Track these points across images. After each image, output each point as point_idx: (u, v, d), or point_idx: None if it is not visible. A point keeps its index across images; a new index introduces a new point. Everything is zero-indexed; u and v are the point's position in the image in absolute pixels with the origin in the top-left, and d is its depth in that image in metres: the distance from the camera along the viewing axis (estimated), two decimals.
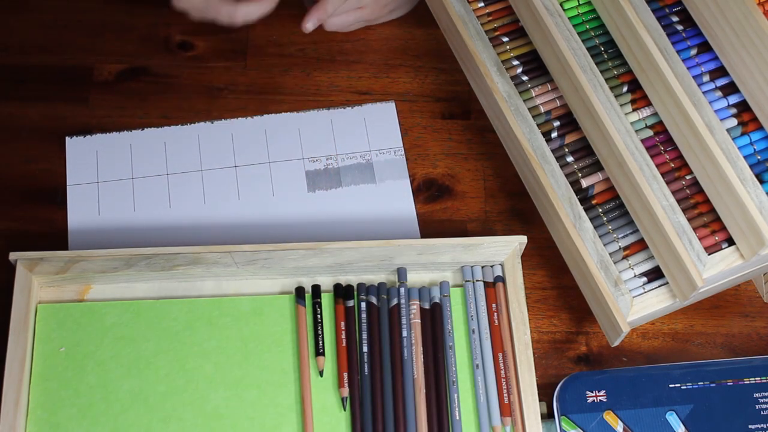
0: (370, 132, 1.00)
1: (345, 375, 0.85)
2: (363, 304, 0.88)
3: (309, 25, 0.96)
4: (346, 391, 0.85)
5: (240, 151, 0.98)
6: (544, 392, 0.87)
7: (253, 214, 0.95)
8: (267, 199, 0.96)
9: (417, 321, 0.87)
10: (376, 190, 0.97)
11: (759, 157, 0.78)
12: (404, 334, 0.87)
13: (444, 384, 0.85)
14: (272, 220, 0.95)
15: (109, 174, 0.96)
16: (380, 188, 0.97)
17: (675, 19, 0.83)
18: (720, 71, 0.80)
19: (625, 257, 0.84)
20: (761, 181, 0.76)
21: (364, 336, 0.87)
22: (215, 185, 0.96)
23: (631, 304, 0.82)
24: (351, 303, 0.88)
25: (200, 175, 0.96)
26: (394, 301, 0.88)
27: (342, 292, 0.89)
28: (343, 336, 0.87)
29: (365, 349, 0.86)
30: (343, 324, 0.87)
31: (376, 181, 0.97)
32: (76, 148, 0.97)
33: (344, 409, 0.84)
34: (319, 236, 0.93)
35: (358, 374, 0.86)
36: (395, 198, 0.96)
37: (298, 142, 0.99)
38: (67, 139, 0.98)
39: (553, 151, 0.88)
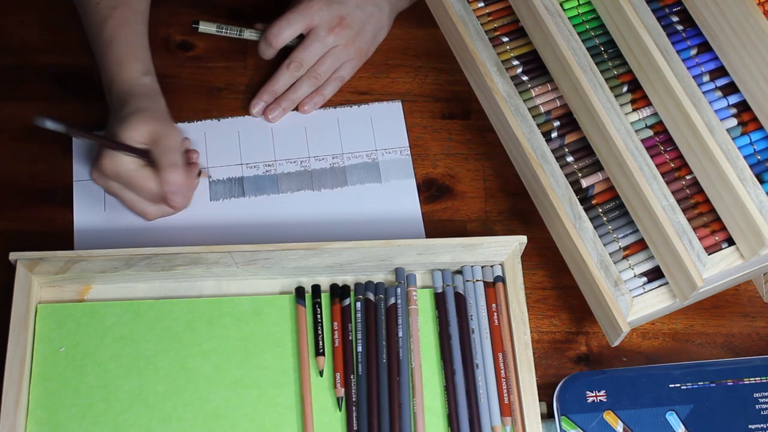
0: (377, 131, 1.00)
1: (338, 375, 0.85)
2: (359, 304, 0.88)
3: (257, 110, 0.99)
4: (340, 392, 0.85)
5: (246, 148, 0.98)
6: (544, 392, 0.87)
7: (258, 212, 0.95)
8: (273, 198, 0.96)
9: (415, 320, 0.87)
10: (382, 190, 0.97)
11: (759, 157, 0.78)
12: (401, 334, 0.87)
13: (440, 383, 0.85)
14: (277, 219, 0.95)
15: None
16: (386, 187, 0.97)
17: (675, 19, 0.83)
18: (720, 71, 0.80)
19: (625, 257, 0.84)
20: (761, 181, 0.76)
21: (359, 336, 0.87)
22: (221, 182, 0.96)
23: (631, 304, 0.82)
24: (347, 302, 0.88)
25: (206, 171, 0.97)
26: (392, 301, 0.88)
27: (339, 292, 0.89)
28: (336, 336, 0.87)
29: (360, 349, 0.86)
30: (336, 324, 0.87)
31: (382, 181, 0.97)
32: (82, 144, 0.97)
33: (339, 410, 0.85)
34: (324, 235, 0.93)
35: (354, 374, 0.86)
36: (401, 197, 0.96)
37: (305, 141, 0.99)
38: None
39: (553, 151, 0.88)
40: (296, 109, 1.00)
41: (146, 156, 0.88)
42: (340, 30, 0.97)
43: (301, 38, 0.99)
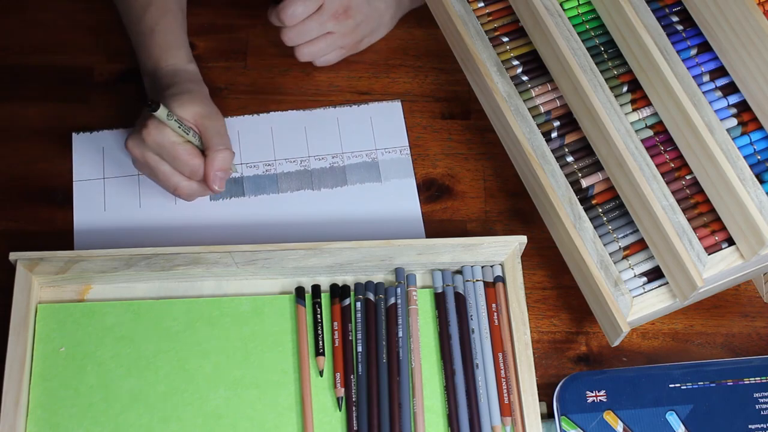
0: (376, 131, 1.00)
1: (338, 375, 0.85)
2: (359, 304, 0.88)
3: (273, 18, 0.96)
4: (340, 392, 0.85)
5: (246, 148, 0.98)
6: (544, 392, 0.87)
7: (258, 212, 0.95)
8: (272, 198, 0.96)
9: (415, 320, 0.87)
10: (382, 189, 0.97)
11: (759, 157, 0.78)
12: (400, 334, 0.87)
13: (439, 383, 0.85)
14: (277, 219, 0.95)
15: (115, 170, 0.96)
16: (386, 187, 0.97)
17: (675, 19, 0.83)
18: (720, 71, 0.80)
19: (625, 257, 0.84)
20: (761, 181, 0.76)
21: (359, 336, 0.87)
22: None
23: (631, 304, 0.82)
24: (347, 302, 0.88)
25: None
26: (392, 301, 0.88)
27: (338, 292, 0.89)
28: (336, 336, 0.87)
29: (360, 348, 0.86)
30: (336, 324, 0.87)
31: (382, 180, 0.97)
32: (82, 144, 0.97)
33: (339, 410, 0.85)
34: (324, 235, 0.93)
35: (354, 374, 0.86)
36: (401, 197, 0.96)
37: (304, 140, 0.99)
38: (74, 135, 0.98)
39: (553, 151, 0.88)
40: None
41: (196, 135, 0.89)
42: (344, 19, 0.98)
43: None
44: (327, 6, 0.96)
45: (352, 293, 0.89)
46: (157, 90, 0.92)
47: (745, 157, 0.77)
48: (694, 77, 0.80)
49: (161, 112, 0.84)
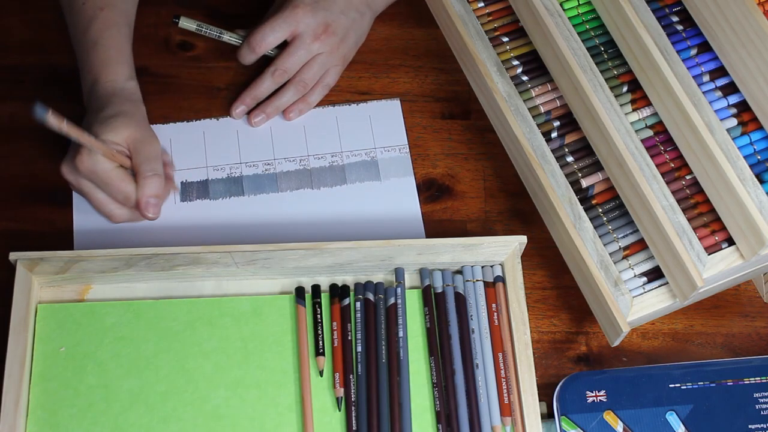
0: (376, 129, 1.00)
1: (337, 375, 0.85)
2: (358, 304, 0.88)
3: (238, 111, 0.99)
4: (339, 392, 0.85)
5: (245, 148, 0.98)
6: (544, 392, 0.87)
7: (257, 212, 0.95)
8: (272, 197, 0.96)
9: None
10: (381, 188, 0.97)
11: (759, 157, 0.78)
12: (401, 334, 0.87)
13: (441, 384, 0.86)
14: (277, 218, 0.95)
15: None
16: (385, 185, 0.97)
17: (675, 19, 0.83)
18: (720, 71, 0.80)
19: (625, 257, 0.84)
20: (761, 181, 0.76)
21: (359, 336, 0.87)
22: (221, 181, 0.96)
23: (631, 304, 0.82)
24: (347, 302, 0.88)
25: (205, 171, 0.97)
26: (392, 300, 0.88)
27: (338, 291, 0.89)
28: (335, 336, 0.87)
29: (359, 348, 0.86)
30: (335, 324, 0.87)
31: (381, 179, 0.97)
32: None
33: (339, 410, 0.85)
34: (324, 235, 0.93)
35: (353, 374, 0.86)
36: (400, 195, 0.96)
37: (303, 139, 0.99)
38: None
39: (553, 151, 0.88)
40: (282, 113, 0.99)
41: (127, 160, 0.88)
42: (326, 37, 0.97)
43: (282, 44, 0.98)
44: (303, 30, 0.95)
45: (351, 293, 0.89)
46: (92, 111, 0.91)
47: (745, 157, 0.77)
48: (694, 77, 0.80)
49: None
